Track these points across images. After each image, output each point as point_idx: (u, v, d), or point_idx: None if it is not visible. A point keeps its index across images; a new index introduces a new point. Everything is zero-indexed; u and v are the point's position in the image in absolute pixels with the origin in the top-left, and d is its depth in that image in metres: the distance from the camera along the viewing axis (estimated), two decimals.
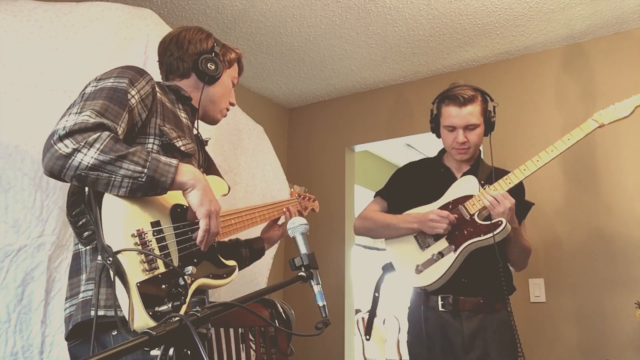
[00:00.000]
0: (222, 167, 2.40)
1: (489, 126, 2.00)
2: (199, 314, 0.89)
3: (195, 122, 1.59)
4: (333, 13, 2.82)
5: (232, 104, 1.66)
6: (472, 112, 1.94)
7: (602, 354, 2.64)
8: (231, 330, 2.09)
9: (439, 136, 2.07)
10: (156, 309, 1.13)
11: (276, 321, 2.07)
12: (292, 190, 2.04)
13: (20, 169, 1.66)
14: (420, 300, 1.97)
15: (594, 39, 3.02)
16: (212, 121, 1.64)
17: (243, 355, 2.09)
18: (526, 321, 2.78)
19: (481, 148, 2.10)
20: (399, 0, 2.70)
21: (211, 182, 1.52)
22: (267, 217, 1.75)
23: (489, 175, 2.00)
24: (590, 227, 2.83)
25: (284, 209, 1.81)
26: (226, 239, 1.67)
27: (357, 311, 5.07)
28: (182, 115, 1.50)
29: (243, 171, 2.60)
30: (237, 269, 1.46)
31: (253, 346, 2.08)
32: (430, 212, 1.94)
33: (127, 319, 1.11)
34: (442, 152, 2.16)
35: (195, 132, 1.58)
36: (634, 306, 2.43)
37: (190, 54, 1.53)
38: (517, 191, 2.01)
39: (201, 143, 1.62)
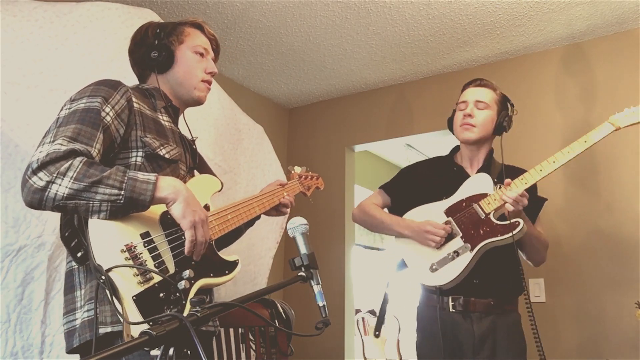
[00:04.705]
0: (222, 167, 2.40)
1: (500, 125, 2.01)
2: (198, 314, 0.89)
3: (179, 121, 1.57)
4: (333, 13, 2.82)
5: (211, 73, 1.56)
6: (485, 93, 2.03)
7: (602, 354, 2.64)
8: (231, 330, 2.09)
9: (452, 130, 2.09)
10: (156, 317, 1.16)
11: (276, 321, 2.07)
12: (292, 172, 1.96)
13: (20, 169, 1.66)
14: (432, 300, 1.94)
15: (594, 39, 3.02)
16: (195, 101, 1.57)
17: (243, 355, 2.09)
18: (526, 321, 2.77)
19: (493, 146, 2.10)
20: (399, 0, 2.70)
21: (202, 182, 1.51)
22: (266, 205, 1.70)
23: (500, 172, 1.99)
24: (591, 227, 2.83)
25: (285, 199, 1.75)
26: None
27: (357, 311, 5.06)
28: (164, 119, 1.48)
29: (243, 171, 2.60)
30: (239, 263, 1.45)
31: (253, 346, 2.09)
32: (426, 222, 1.93)
33: (124, 333, 1.14)
34: (454, 151, 2.17)
35: (183, 132, 1.57)
36: (634, 306, 2.43)
37: (139, 56, 1.52)
38: (530, 187, 2.01)
39: (188, 143, 1.59)
